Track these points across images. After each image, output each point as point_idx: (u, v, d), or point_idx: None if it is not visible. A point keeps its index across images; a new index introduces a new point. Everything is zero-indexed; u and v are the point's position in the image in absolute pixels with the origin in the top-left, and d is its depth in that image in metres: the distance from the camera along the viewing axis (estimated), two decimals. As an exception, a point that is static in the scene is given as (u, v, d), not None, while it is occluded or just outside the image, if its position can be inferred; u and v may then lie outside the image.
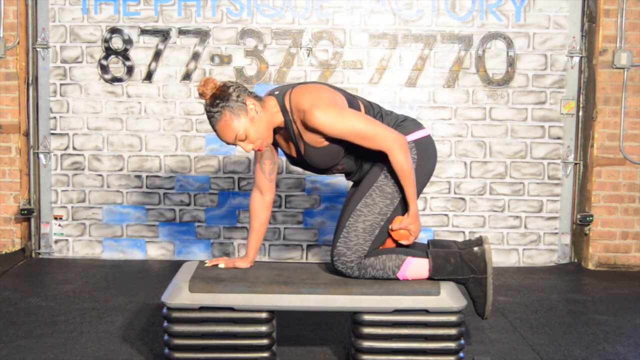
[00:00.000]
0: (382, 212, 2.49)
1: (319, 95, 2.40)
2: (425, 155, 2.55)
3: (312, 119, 2.35)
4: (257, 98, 2.44)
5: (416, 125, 2.58)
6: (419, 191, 2.56)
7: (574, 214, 4.42)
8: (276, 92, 2.50)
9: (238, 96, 2.37)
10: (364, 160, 2.56)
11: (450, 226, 4.39)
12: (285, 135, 2.54)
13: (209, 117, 2.38)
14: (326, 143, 2.45)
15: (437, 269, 2.47)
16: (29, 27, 4.30)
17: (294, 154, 2.58)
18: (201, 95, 2.39)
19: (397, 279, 2.47)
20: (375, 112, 2.57)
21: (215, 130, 2.39)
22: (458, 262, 2.48)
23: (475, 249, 2.50)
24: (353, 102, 2.52)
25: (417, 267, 2.46)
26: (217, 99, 2.36)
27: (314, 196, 4.38)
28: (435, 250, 2.50)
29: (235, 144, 2.40)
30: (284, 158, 4.23)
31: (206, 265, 2.65)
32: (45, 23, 4.30)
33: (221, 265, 2.63)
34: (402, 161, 2.40)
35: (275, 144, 2.67)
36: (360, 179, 2.60)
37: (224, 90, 2.38)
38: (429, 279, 2.49)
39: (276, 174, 2.73)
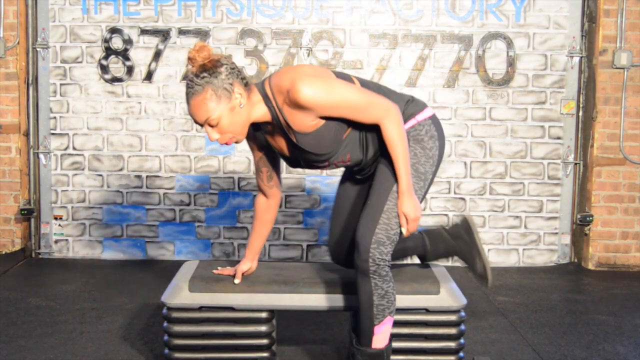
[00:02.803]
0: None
1: (300, 70, 2.18)
2: (441, 132, 2.39)
3: (296, 95, 2.10)
4: (247, 86, 2.20)
5: (424, 103, 2.42)
6: (437, 171, 2.40)
7: (574, 214, 4.42)
8: (257, 82, 2.28)
9: (228, 78, 2.12)
10: (370, 146, 2.32)
11: (450, 226, 4.38)
12: (274, 131, 2.29)
13: (188, 87, 2.12)
14: (319, 125, 2.20)
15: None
16: (29, 27, 4.30)
17: (287, 152, 2.33)
18: (190, 60, 2.12)
19: (370, 321, 2.27)
20: (373, 89, 2.33)
21: (188, 104, 2.13)
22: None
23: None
24: (344, 77, 2.30)
25: (388, 330, 2.31)
26: (205, 72, 2.10)
27: (314, 196, 4.38)
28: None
29: (202, 126, 2.15)
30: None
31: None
32: (45, 23, 4.30)
33: (236, 282, 2.47)
34: (397, 131, 2.18)
35: (269, 148, 2.43)
36: (373, 169, 2.36)
37: (216, 65, 2.12)
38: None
39: (277, 179, 2.53)
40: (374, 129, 2.27)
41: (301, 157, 2.32)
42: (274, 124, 2.25)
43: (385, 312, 2.26)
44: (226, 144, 2.19)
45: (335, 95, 2.15)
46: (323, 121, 2.20)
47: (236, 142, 2.21)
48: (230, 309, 2.42)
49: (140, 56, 4.32)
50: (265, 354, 2.44)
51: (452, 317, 2.42)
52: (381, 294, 2.23)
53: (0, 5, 4.26)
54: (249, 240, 2.60)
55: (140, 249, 4.42)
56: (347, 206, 2.54)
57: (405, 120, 2.31)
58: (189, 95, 2.12)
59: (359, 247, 2.21)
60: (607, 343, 2.97)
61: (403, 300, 2.39)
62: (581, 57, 4.33)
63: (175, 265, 4.10)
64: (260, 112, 2.21)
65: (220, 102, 2.11)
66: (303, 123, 2.18)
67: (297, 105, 2.13)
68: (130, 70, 4.33)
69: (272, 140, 2.35)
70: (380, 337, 2.28)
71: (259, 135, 2.38)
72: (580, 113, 4.37)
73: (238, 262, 2.60)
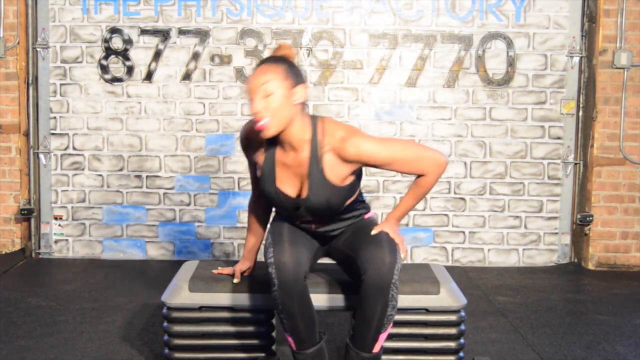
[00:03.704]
0: None
1: (353, 127, 2.30)
2: None
3: (354, 145, 2.20)
4: (304, 105, 2.26)
5: None
6: None
7: (574, 214, 4.42)
8: (311, 115, 2.33)
9: (299, 75, 2.22)
10: (350, 216, 2.43)
11: (450, 226, 4.39)
12: (292, 161, 2.28)
13: (267, 58, 2.23)
14: (348, 181, 2.29)
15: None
16: (29, 27, 4.30)
17: (294, 192, 2.31)
18: (279, 47, 2.29)
19: (377, 331, 2.27)
20: None
21: (255, 69, 2.18)
22: None
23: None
24: None
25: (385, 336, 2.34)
26: (288, 59, 2.23)
27: (314, 196, 4.38)
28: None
29: (253, 91, 2.15)
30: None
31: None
32: (45, 23, 4.30)
33: (235, 281, 2.46)
34: (434, 182, 2.32)
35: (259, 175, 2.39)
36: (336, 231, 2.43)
37: (297, 64, 2.27)
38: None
39: None
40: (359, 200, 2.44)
41: (308, 202, 2.28)
42: (301, 155, 2.25)
43: (391, 320, 2.28)
44: (257, 120, 2.15)
45: (391, 148, 2.24)
46: (350, 180, 2.30)
47: (264, 131, 2.16)
48: (230, 309, 2.41)
49: (140, 56, 4.32)
50: (265, 354, 2.43)
51: (452, 317, 2.42)
52: (393, 304, 2.24)
53: (0, 5, 4.26)
54: (246, 241, 2.60)
55: (140, 249, 4.42)
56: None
57: (369, 210, 2.50)
58: (262, 62, 2.20)
59: (385, 260, 2.19)
60: (607, 343, 2.97)
61: (403, 300, 2.39)
62: (581, 57, 4.33)
63: (175, 265, 4.11)
64: (301, 131, 2.23)
65: (284, 81, 2.16)
66: (338, 172, 2.26)
67: (348, 155, 2.21)
68: (130, 70, 4.33)
69: (282, 168, 2.31)
70: (381, 342, 2.30)
71: (268, 156, 2.31)
72: (580, 113, 4.37)
73: (238, 262, 2.59)
